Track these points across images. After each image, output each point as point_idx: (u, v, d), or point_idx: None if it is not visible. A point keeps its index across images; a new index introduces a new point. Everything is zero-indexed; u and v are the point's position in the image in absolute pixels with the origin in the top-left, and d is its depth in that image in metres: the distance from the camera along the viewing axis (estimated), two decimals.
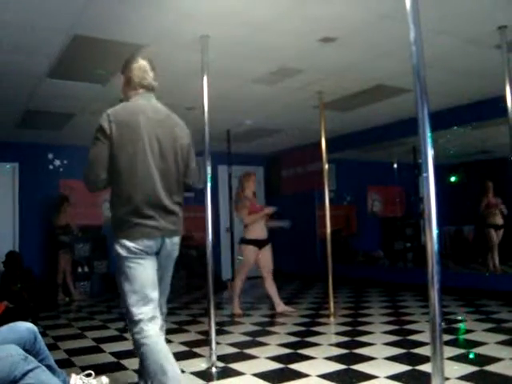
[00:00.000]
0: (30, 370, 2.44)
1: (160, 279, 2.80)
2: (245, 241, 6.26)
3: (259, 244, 6.22)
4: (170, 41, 4.39)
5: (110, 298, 7.98)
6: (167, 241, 2.75)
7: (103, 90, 5.72)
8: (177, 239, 2.85)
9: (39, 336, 2.80)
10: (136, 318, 2.64)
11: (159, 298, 2.79)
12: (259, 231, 6.24)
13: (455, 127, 7.31)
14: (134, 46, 4.47)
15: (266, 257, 6.31)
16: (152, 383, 2.59)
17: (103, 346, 4.67)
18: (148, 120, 2.80)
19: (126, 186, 2.67)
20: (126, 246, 2.64)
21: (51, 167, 8.85)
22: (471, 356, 3.95)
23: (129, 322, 2.71)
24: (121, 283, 2.69)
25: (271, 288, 6.36)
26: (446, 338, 4.43)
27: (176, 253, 2.89)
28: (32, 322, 2.92)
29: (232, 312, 6.30)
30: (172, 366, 2.63)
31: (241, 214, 6.30)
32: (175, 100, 6.21)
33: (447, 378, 3.12)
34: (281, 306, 6.26)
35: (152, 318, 2.68)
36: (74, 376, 3.08)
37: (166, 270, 2.88)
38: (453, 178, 10.25)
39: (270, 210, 6.49)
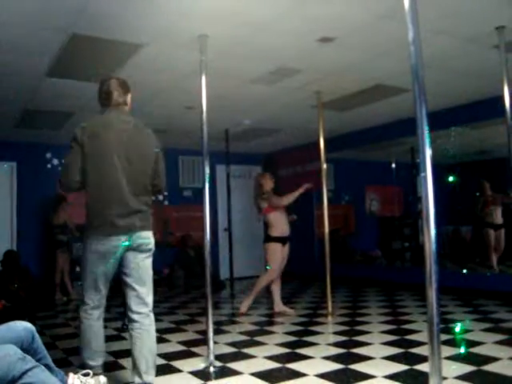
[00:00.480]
0: (29, 370, 2.44)
1: (134, 270, 3.19)
2: (271, 238, 6.15)
3: (284, 241, 6.16)
4: (169, 40, 4.38)
5: (108, 297, 7.96)
6: (134, 236, 3.13)
7: None
8: (145, 233, 3.22)
9: (37, 335, 2.80)
10: (85, 300, 3.20)
11: (139, 287, 3.22)
12: (285, 228, 6.16)
13: (453, 127, 7.31)
14: (132, 46, 4.47)
15: (285, 254, 6.25)
16: (82, 353, 3.20)
17: None
18: (116, 131, 3.16)
19: (97, 189, 3.10)
20: (92, 241, 3.09)
21: (49, 166, 8.83)
22: (469, 356, 3.95)
23: (80, 301, 3.26)
24: (81, 269, 3.22)
25: (276, 286, 6.31)
26: (444, 337, 4.44)
27: (146, 246, 3.25)
28: (29, 321, 2.91)
29: (240, 311, 6.26)
30: (96, 343, 3.21)
31: (276, 202, 6.18)
32: (174, 99, 6.24)
33: (445, 378, 3.12)
34: (279, 306, 6.25)
35: (96, 307, 3.23)
36: (71, 375, 3.08)
37: (139, 262, 3.21)
38: (451, 178, 10.25)
39: (305, 187, 6.29)
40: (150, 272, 3.34)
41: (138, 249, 3.19)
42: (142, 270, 3.24)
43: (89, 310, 3.19)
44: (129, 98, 3.37)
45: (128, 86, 3.38)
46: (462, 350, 4.14)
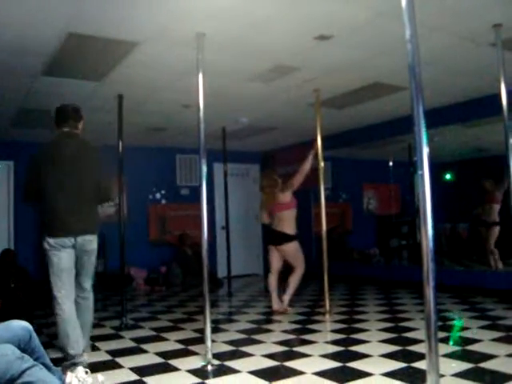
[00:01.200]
0: (27, 369, 2.44)
1: (81, 266, 3.96)
2: (295, 237, 6.17)
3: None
4: (166, 38, 4.37)
5: (106, 296, 7.97)
6: (79, 238, 3.84)
7: (99, 87, 5.70)
8: (88, 237, 3.91)
9: (34, 334, 2.80)
10: (55, 293, 3.76)
11: (82, 278, 4.01)
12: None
13: (450, 125, 7.32)
14: (128, 44, 4.46)
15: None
16: (61, 345, 3.68)
17: (99, 344, 4.67)
18: (64, 151, 3.89)
19: (49, 200, 3.83)
20: (48, 241, 3.83)
21: None
22: (466, 353, 3.96)
23: (52, 297, 3.78)
24: (47, 268, 3.85)
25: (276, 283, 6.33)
26: (441, 335, 4.45)
27: (90, 247, 3.95)
28: (27, 320, 2.91)
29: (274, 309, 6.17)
30: (73, 332, 3.67)
31: (297, 180, 6.22)
32: (171, 98, 6.23)
33: (442, 375, 3.13)
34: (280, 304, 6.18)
35: (67, 296, 3.77)
36: (69, 374, 3.09)
37: (84, 259, 3.96)
38: (448, 176, 10.27)
39: (313, 150, 6.24)
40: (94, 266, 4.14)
41: (82, 249, 3.90)
42: (88, 265, 4.04)
43: (60, 301, 3.75)
44: (81, 124, 4.12)
45: (81, 114, 4.14)
46: (460, 347, 4.15)
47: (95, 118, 7.08)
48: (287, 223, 6.14)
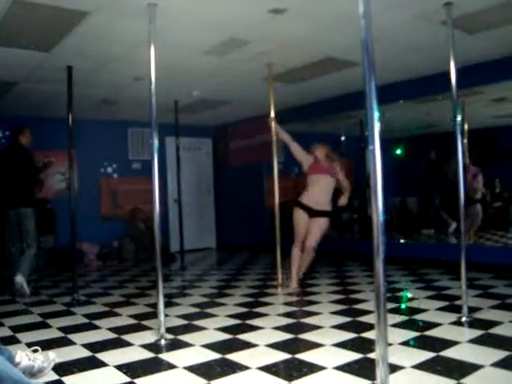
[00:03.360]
0: None
1: (21, 228, 5.88)
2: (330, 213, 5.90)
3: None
4: (116, 8, 4.23)
5: (57, 272, 7.85)
6: (12, 211, 5.89)
7: (48, 58, 5.51)
8: (21, 209, 5.86)
9: None
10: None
11: (24, 237, 5.89)
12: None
13: (401, 101, 7.45)
14: (77, 13, 4.29)
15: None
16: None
17: (50, 321, 4.60)
18: (10, 157, 6.04)
19: (3, 188, 5.96)
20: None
21: None
22: (413, 322, 4.10)
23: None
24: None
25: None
26: (390, 306, 4.59)
27: (23, 215, 5.85)
28: None
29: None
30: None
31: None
32: (122, 70, 6.09)
33: (390, 344, 3.24)
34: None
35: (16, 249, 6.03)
36: (19, 352, 3.03)
37: (22, 224, 5.86)
38: (398, 151, 10.46)
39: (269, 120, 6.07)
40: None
41: (17, 216, 5.87)
42: (25, 227, 5.87)
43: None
44: (25, 139, 6.06)
45: (29, 134, 6.08)
46: (407, 317, 4.29)
47: (43, 90, 6.87)
48: (328, 198, 5.85)
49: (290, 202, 9.85)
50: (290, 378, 2.95)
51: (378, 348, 2.31)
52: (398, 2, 4.29)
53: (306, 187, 5.90)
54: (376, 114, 2.37)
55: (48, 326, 4.43)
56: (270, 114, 6.10)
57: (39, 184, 6.26)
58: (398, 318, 4.22)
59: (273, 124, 6.06)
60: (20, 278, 5.58)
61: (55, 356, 3.23)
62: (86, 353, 3.59)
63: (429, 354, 3.25)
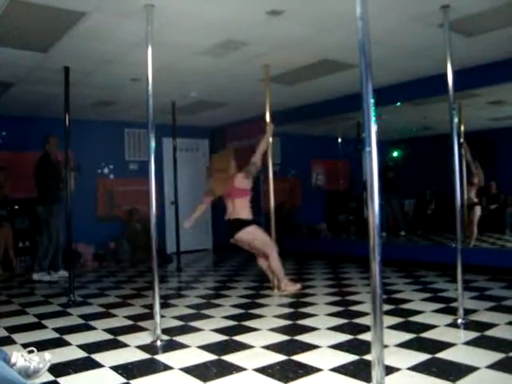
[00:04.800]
0: None
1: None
2: (250, 221, 5.68)
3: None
4: (113, 9, 4.23)
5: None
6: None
7: (44, 59, 5.50)
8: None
9: None
10: None
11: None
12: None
13: (398, 103, 7.46)
14: (74, 13, 4.29)
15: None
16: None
17: (46, 322, 4.59)
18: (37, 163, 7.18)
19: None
20: None
21: None
22: (409, 324, 4.10)
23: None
24: None
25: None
26: (386, 307, 4.59)
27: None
28: None
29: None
30: None
31: (254, 166, 5.74)
32: (119, 71, 6.09)
33: (386, 346, 3.24)
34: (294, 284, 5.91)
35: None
36: (15, 353, 3.02)
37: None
38: (395, 154, 10.46)
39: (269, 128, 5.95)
40: None
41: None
42: None
43: None
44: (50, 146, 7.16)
45: (54, 142, 7.15)
46: (403, 319, 4.29)
47: (40, 91, 6.86)
48: (243, 210, 5.66)
49: (286, 203, 9.91)
50: (286, 379, 2.94)
51: (373, 350, 2.32)
52: (395, 4, 4.30)
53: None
54: (372, 116, 2.38)
55: (44, 327, 4.41)
56: (266, 114, 6.09)
57: (62, 182, 6.82)
58: (395, 320, 4.22)
59: (270, 127, 6.03)
60: (35, 276, 7.03)
61: (51, 357, 3.21)
62: (82, 354, 3.58)
63: (425, 356, 3.26)
